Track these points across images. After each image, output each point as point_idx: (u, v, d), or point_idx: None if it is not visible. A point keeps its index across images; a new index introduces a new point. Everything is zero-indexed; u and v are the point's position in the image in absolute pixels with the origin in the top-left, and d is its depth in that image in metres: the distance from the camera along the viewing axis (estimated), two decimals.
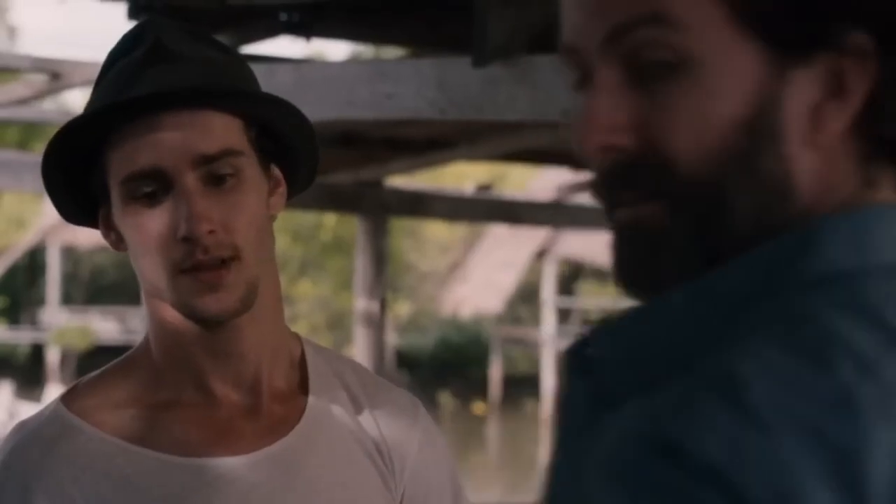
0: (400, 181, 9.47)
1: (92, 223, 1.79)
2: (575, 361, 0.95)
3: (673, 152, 0.91)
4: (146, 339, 1.80)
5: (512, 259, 28.26)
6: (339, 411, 1.81)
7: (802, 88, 0.90)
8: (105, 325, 28.17)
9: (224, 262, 1.67)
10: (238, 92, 1.72)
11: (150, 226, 1.68)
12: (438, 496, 1.86)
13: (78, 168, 1.73)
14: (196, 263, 1.67)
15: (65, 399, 1.77)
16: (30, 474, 1.71)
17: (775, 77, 0.90)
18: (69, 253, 29.53)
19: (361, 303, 8.15)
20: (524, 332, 29.80)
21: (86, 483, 1.71)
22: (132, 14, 5.40)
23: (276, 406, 1.78)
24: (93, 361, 25.57)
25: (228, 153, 1.68)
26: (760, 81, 0.89)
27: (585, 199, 10.34)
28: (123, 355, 1.85)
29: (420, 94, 4.51)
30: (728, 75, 0.89)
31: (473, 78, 4.35)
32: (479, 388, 28.94)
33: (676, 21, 0.90)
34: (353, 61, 5.33)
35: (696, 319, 0.89)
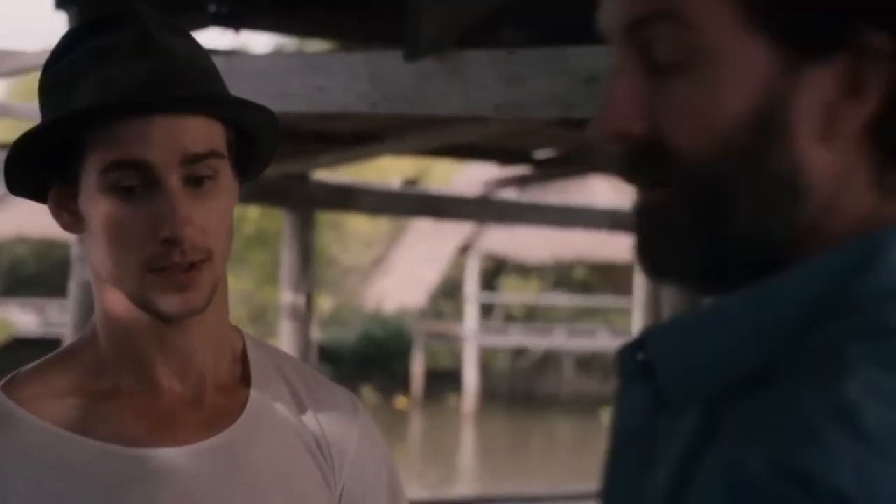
0: (326, 175, 9.45)
1: (36, 197, 1.79)
2: (631, 364, 0.96)
3: (676, 142, 0.93)
4: (91, 329, 1.80)
5: (435, 254, 28.30)
6: (280, 405, 1.82)
7: (817, 86, 0.91)
8: (24, 318, 27.88)
9: (194, 265, 1.69)
10: (230, 100, 1.74)
11: (126, 220, 1.68)
12: (376, 492, 1.87)
13: (42, 146, 1.72)
14: (170, 265, 1.68)
15: (4, 388, 1.76)
16: None
17: (787, 74, 0.90)
18: None
19: (287, 296, 8.14)
20: (447, 327, 29.82)
21: (25, 471, 1.70)
22: (59, 4, 5.36)
23: (219, 398, 1.79)
24: (11, 354, 25.26)
25: (213, 154, 1.70)
26: (770, 78, 0.90)
27: (511, 194, 10.38)
28: (67, 344, 1.84)
29: (351, 88, 4.51)
30: (735, 72, 0.91)
31: (405, 72, 4.36)
32: (401, 382, 28.94)
33: (688, 20, 0.92)
34: (284, 54, 5.31)
35: (763, 330, 0.91)
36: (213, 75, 1.75)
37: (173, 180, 1.68)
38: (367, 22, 5.48)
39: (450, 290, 30.15)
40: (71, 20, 5.31)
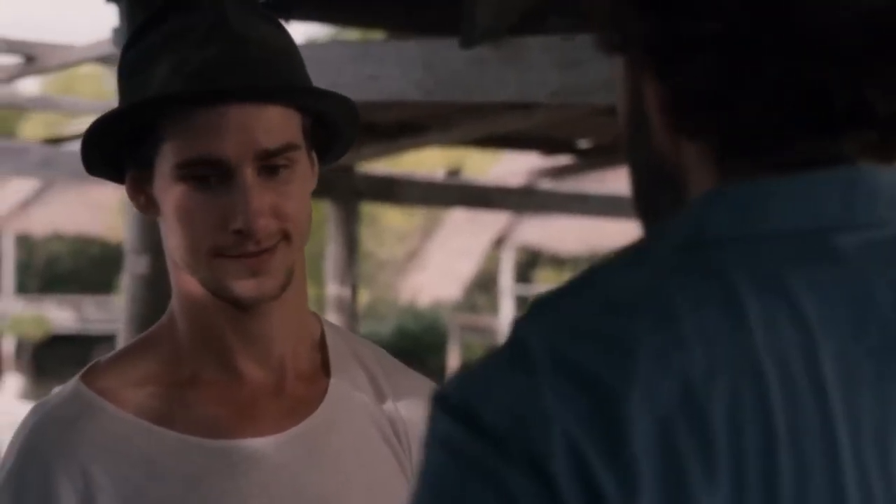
0: (369, 166, 9.43)
1: (113, 178, 1.78)
2: None
3: None
4: (169, 315, 1.79)
5: (470, 247, 28.26)
6: (358, 393, 1.81)
7: (647, 85, 1.01)
8: (61, 314, 27.97)
9: (269, 250, 1.68)
10: (303, 90, 1.73)
11: (199, 209, 1.68)
12: None
13: (118, 130, 1.72)
14: (242, 252, 1.67)
15: (85, 378, 1.75)
16: (51, 453, 1.69)
17: (639, 78, 1.01)
18: (24, 241, 29.29)
19: (333, 289, 8.12)
20: (482, 320, 29.79)
21: (107, 463, 1.69)
22: None
23: (299, 386, 1.78)
24: (49, 351, 25.39)
25: (288, 148, 1.69)
26: (632, 82, 1.01)
27: (549, 184, 10.33)
28: (145, 332, 1.82)
29: (406, 76, 4.50)
30: (620, 80, 1.03)
31: (460, 59, 4.34)
32: (436, 376, 28.83)
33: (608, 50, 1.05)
34: (338, 42, 5.29)
35: None
36: (291, 61, 1.72)
37: (247, 173, 1.66)
38: (417, 11, 5.46)
39: (484, 283, 30.13)
40: (122, 13, 5.31)
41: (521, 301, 29.74)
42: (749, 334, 0.90)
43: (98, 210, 26.24)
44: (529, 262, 30.79)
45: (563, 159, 9.54)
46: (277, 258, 1.68)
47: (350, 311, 8.08)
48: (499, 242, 28.25)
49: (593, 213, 10.34)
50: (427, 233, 30.21)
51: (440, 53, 4.42)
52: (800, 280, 0.93)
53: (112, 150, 1.73)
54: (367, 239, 30.33)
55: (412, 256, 30.35)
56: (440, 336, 29.36)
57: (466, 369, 0.93)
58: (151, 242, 5.44)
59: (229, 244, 1.67)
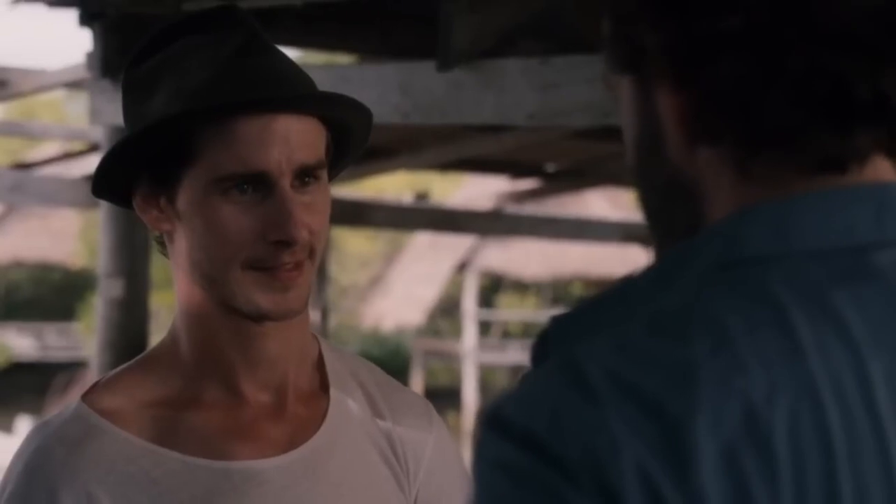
0: (337, 191, 9.43)
1: (116, 196, 1.76)
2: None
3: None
4: (171, 335, 1.78)
5: (432, 272, 28.26)
6: (357, 413, 1.81)
7: (661, 100, 1.00)
8: (21, 342, 27.78)
9: (298, 265, 1.67)
10: (349, 101, 1.72)
11: (236, 221, 1.66)
12: (450, 499, 1.85)
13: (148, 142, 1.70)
14: (276, 264, 1.67)
15: (86, 398, 1.74)
16: (56, 474, 1.68)
17: (647, 98, 1.01)
18: None
19: None
20: (445, 345, 29.76)
21: (111, 484, 1.68)
22: (83, 21, 5.35)
23: (300, 407, 1.77)
24: (9, 379, 25.19)
25: (322, 164, 1.70)
26: (640, 105, 1.02)
27: (521, 208, 10.35)
28: (146, 351, 1.82)
29: (383, 99, 4.50)
30: (625, 105, 1.03)
31: (438, 82, 4.35)
32: None
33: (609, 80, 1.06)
34: (314, 66, 5.29)
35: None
36: (310, 80, 1.73)
37: (286, 185, 1.66)
38: (390, 35, 5.48)
39: (447, 308, 30.11)
40: (96, 37, 5.31)
41: (483, 326, 29.71)
42: (804, 357, 0.91)
43: (59, 237, 26.11)
44: (492, 287, 30.78)
45: (529, 183, 9.57)
46: (304, 274, 1.68)
47: (321, 334, 8.07)
48: (461, 267, 28.25)
49: (563, 236, 10.36)
50: (390, 258, 30.21)
51: (418, 76, 4.43)
52: (844, 298, 0.93)
53: (128, 166, 1.72)
54: (330, 264, 30.27)
55: (375, 282, 30.32)
56: (403, 361, 29.27)
57: (517, 391, 0.93)
58: (126, 266, 5.43)
59: (266, 255, 1.66)
